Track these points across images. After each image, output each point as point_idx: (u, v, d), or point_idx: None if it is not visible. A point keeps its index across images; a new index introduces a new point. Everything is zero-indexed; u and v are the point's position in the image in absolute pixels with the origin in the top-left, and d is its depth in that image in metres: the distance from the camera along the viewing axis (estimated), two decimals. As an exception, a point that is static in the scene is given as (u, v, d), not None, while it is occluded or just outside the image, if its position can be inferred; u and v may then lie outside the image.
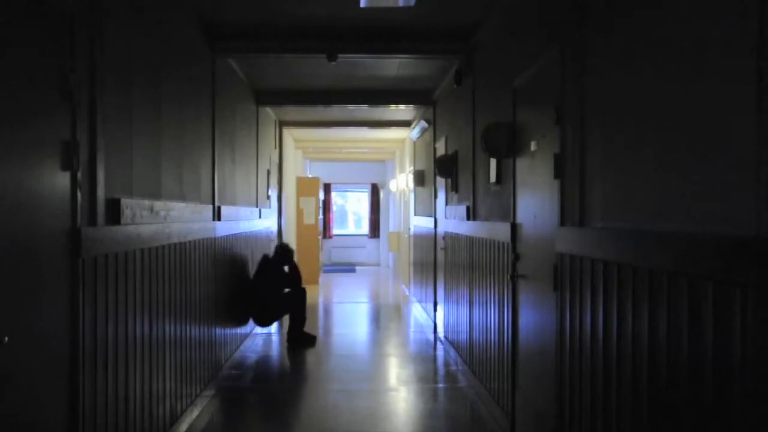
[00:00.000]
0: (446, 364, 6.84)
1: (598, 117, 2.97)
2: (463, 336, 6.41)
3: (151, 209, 3.74)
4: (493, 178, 4.95)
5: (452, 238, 7.14)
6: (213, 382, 5.48)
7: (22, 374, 2.38)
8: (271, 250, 9.02)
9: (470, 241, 5.96)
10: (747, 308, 1.78)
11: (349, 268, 18.02)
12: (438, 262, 8.18)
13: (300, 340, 7.68)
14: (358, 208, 19.98)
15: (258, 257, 8.04)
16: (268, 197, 9.48)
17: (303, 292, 7.83)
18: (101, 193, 3.05)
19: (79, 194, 2.81)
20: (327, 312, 10.49)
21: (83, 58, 2.89)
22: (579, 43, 3.18)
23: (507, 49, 4.70)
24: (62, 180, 2.70)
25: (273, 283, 7.71)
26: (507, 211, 4.54)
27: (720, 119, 1.97)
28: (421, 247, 9.89)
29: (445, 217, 7.79)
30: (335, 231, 19.23)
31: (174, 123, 4.38)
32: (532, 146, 3.96)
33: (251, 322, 7.68)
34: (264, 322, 7.73)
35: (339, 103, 8.79)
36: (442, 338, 7.69)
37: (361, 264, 18.89)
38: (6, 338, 2.20)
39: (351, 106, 9.11)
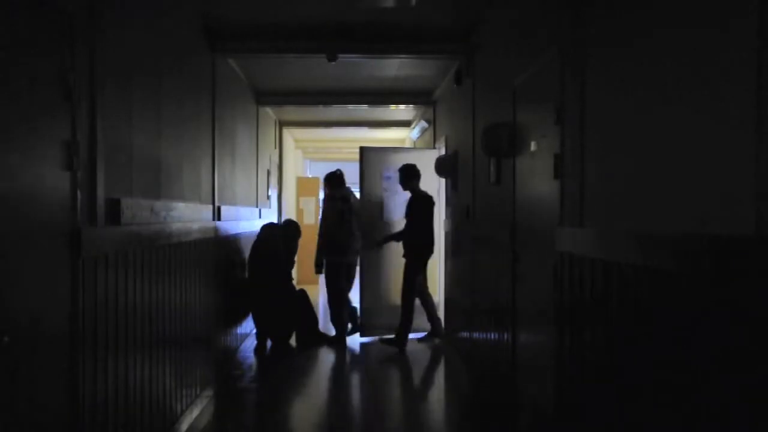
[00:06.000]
0: (446, 362, 6.84)
1: (598, 117, 2.97)
2: (464, 334, 6.41)
3: (151, 209, 3.74)
4: (493, 178, 4.95)
5: (452, 238, 7.14)
6: (213, 382, 5.48)
7: (22, 374, 2.38)
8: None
9: (470, 240, 5.96)
10: (746, 308, 1.78)
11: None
12: (439, 262, 8.19)
13: (317, 340, 7.67)
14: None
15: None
16: (268, 197, 9.48)
17: (303, 293, 7.82)
18: (101, 193, 3.05)
19: (79, 194, 2.81)
20: (327, 312, 10.48)
21: (83, 57, 2.89)
22: (578, 43, 3.18)
23: (507, 48, 4.70)
24: (62, 180, 2.70)
25: (282, 278, 7.57)
26: (507, 211, 4.54)
27: (720, 118, 1.97)
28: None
29: (445, 217, 7.79)
30: (335, 231, 19.16)
31: (174, 123, 4.38)
32: (532, 146, 3.96)
33: (251, 322, 7.67)
34: (282, 330, 7.49)
35: (339, 103, 8.79)
36: (443, 336, 7.69)
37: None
38: (6, 338, 2.20)
39: (351, 106, 9.11)
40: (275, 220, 10.13)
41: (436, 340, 7.68)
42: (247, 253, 7.38)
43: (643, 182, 2.48)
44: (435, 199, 8.08)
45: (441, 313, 7.98)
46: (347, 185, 8.03)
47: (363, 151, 7.97)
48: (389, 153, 8.18)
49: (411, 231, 7.34)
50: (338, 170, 8.00)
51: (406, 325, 7.23)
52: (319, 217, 8.04)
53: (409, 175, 7.46)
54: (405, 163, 7.56)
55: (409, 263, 7.31)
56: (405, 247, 7.37)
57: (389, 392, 5.98)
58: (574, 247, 3.15)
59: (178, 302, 4.37)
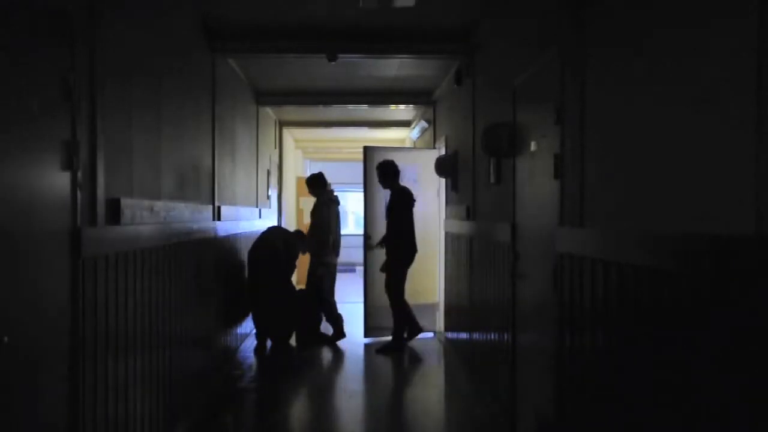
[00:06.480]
0: (446, 363, 6.84)
1: (598, 117, 2.97)
2: (463, 335, 6.41)
3: (151, 209, 3.74)
4: (493, 178, 4.95)
5: (452, 238, 7.14)
6: (213, 382, 5.48)
7: (22, 374, 2.38)
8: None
9: (470, 241, 5.96)
10: (746, 308, 1.78)
11: (349, 268, 18.00)
12: (440, 262, 8.19)
13: (317, 340, 7.67)
14: (358, 208, 19.99)
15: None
16: (268, 197, 9.47)
17: (303, 293, 7.81)
18: (101, 193, 3.05)
19: (79, 194, 2.81)
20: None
21: (83, 57, 2.89)
22: (578, 43, 3.18)
23: (507, 48, 4.70)
24: (62, 180, 2.70)
25: (281, 278, 7.55)
26: (507, 211, 4.54)
27: (720, 118, 1.97)
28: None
29: (445, 217, 7.79)
30: (335, 231, 19.13)
31: (174, 123, 4.38)
32: (532, 146, 3.96)
33: (251, 322, 7.67)
34: (282, 330, 7.46)
35: (339, 103, 8.79)
36: (443, 338, 7.69)
37: (361, 264, 18.77)
38: (6, 338, 2.20)
39: (351, 106, 9.11)
40: (275, 221, 10.13)
41: (423, 334, 7.67)
42: (246, 253, 7.38)
43: (643, 182, 2.48)
44: (435, 198, 8.08)
45: (440, 313, 7.99)
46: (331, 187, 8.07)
47: (367, 150, 7.99)
48: (393, 153, 8.19)
49: (393, 231, 7.20)
50: (320, 172, 8.07)
51: (400, 328, 7.23)
52: (314, 221, 7.91)
53: (388, 172, 7.29)
54: (384, 159, 7.44)
55: (392, 266, 7.19)
56: (387, 248, 7.26)
57: (388, 392, 5.98)
58: (573, 247, 3.15)
59: (178, 302, 4.37)
